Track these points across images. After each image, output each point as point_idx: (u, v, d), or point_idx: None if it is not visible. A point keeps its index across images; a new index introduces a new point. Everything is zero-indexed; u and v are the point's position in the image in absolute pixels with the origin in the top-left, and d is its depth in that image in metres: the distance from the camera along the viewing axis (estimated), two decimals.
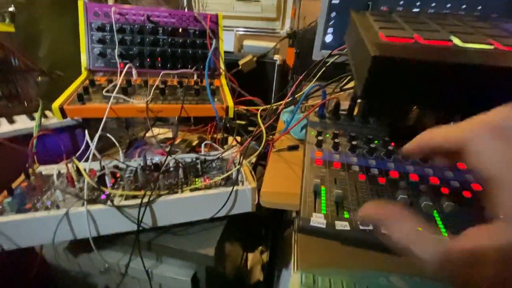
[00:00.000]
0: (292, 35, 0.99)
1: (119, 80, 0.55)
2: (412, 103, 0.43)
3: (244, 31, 1.02)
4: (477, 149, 0.16)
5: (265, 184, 0.44)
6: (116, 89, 0.53)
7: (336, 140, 0.43)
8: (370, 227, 0.30)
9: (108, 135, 0.55)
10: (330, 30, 0.60)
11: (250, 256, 1.02)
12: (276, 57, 0.96)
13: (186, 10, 1.01)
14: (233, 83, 0.73)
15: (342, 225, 0.30)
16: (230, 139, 0.82)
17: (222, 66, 0.69)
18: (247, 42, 1.01)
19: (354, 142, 0.43)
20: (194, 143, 0.83)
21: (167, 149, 0.71)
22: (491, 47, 0.28)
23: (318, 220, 0.31)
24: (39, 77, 0.87)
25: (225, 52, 0.97)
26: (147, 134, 0.86)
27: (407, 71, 0.25)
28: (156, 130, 0.93)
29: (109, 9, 0.62)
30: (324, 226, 0.31)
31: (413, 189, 0.36)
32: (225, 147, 0.78)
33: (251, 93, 0.81)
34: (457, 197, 0.35)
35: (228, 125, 0.79)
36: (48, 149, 0.65)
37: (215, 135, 0.85)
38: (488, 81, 0.25)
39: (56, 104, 0.49)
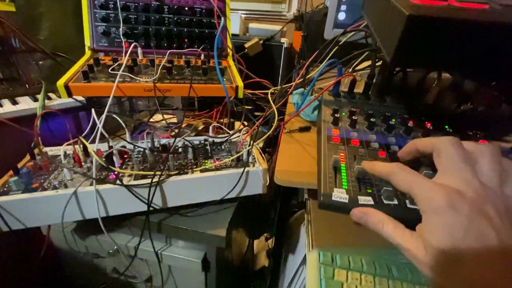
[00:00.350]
0: (299, 17, 0.96)
1: (125, 59, 0.53)
2: (444, 68, 0.41)
3: (249, 13, 0.99)
4: (438, 152, 0.25)
5: (279, 163, 0.43)
6: (123, 67, 0.51)
7: (353, 118, 0.42)
8: (395, 201, 0.29)
9: (114, 115, 0.53)
10: (343, 7, 0.57)
11: (256, 242, 1.02)
12: (283, 40, 0.93)
13: None
14: (240, 64, 0.71)
15: (365, 200, 0.29)
16: (237, 124, 0.80)
17: (230, 46, 0.67)
18: (252, 25, 0.98)
19: (372, 120, 0.41)
20: (200, 128, 0.82)
21: (173, 133, 0.70)
22: None
23: (340, 195, 0.30)
24: (40, 61, 0.84)
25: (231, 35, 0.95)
26: (152, 119, 0.84)
27: (443, 31, 0.24)
28: (160, 116, 0.92)
29: None
30: (346, 201, 0.29)
31: (433, 166, 0.35)
32: (232, 131, 0.76)
33: (257, 76, 0.79)
34: None
35: (234, 109, 0.77)
36: (52, 130, 0.63)
37: (221, 120, 0.84)
38: None
39: (61, 82, 0.47)
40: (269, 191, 0.54)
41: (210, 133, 0.61)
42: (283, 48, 0.92)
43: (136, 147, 0.54)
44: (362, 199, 0.29)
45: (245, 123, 0.77)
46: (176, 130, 0.72)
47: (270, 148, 0.75)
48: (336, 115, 0.42)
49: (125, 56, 0.55)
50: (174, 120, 0.90)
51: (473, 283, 0.19)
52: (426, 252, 0.21)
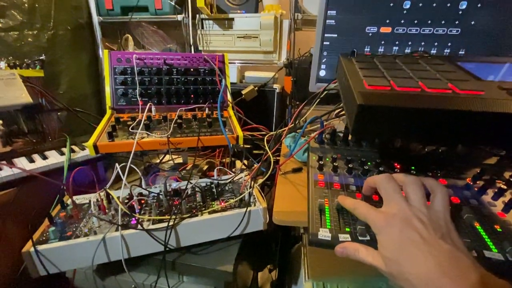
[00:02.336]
0: (288, 65, 1.09)
1: (143, 117, 0.63)
2: (394, 138, 0.51)
3: (245, 63, 1.12)
4: (379, 187, 0.36)
5: (276, 204, 0.51)
6: (140, 125, 0.60)
7: (335, 164, 0.51)
8: (368, 237, 0.37)
9: (133, 166, 0.62)
10: (323, 66, 0.69)
11: (260, 274, 1.05)
12: (276, 85, 1.05)
13: (192, 47, 1.12)
14: (239, 113, 0.81)
15: (344, 237, 0.37)
16: (238, 163, 0.89)
17: (229, 99, 0.78)
18: (248, 73, 1.11)
19: (350, 165, 0.50)
20: (204, 168, 0.90)
21: (180, 176, 0.78)
22: (450, 91, 0.36)
23: (324, 234, 0.38)
24: (59, 113, 0.95)
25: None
26: (157, 161, 0.93)
27: (385, 115, 0.33)
28: (167, 156, 1.00)
29: (130, 56, 0.71)
30: (329, 239, 0.37)
31: None
32: (234, 170, 0.85)
33: (254, 118, 0.89)
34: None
35: (235, 150, 0.86)
36: (75, 180, 0.71)
37: (223, 160, 0.92)
38: (448, 122, 0.33)
39: (90, 142, 0.57)
40: (270, 224, 0.61)
41: (215, 176, 0.70)
42: (275, 93, 1.04)
43: (151, 193, 0.62)
44: (342, 237, 0.37)
45: (246, 162, 0.85)
46: (183, 172, 0.81)
47: (269, 181, 0.83)
48: (320, 161, 0.51)
49: (141, 114, 0.65)
50: (180, 160, 0.99)
51: (414, 278, 0.26)
52: (384, 262, 0.30)
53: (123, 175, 0.54)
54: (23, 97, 0.65)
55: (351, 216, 0.40)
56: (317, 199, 0.43)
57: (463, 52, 0.62)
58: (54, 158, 0.67)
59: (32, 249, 0.46)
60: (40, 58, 0.82)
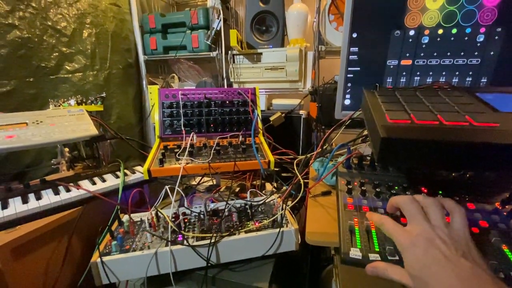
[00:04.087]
0: (313, 92, 1.16)
1: (187, 145, 0.72)
2: (416, 166, 0.54)
3: (272, 91, 1.22)
4: (402, 207, 0.39)
5: (308, 225, 0.55)
6: (186, 153, 0.69)
7: (363, 188, 0.55)
8: (397, 257, 0.40)
9: (178, 189, 0.70)
10: (347, 96, 0.75)
11: None
12: (302, 112, 1.12)
13: (224, 80, 1.24)
14: (269, 139, 0.88)
15: (374, 256, 0.40)
16: (268, 186, 0.95)
17: (260, 126, 0.85)
18: (275, 101, 1.20)
19: (378, 189, 0.53)
20: (236, 190, 0.97)
21: (215, 195, 0.85)
22: (467, 123, 0.40)
23: (355, 253, 0.41)
24: (111, 141, 1.08)
25: None
26: (192, 182, 1.01)
27: (407, 146, 0.38)
28: (204, 178, 1.09)
29: (176, 92, 0.82)
30: (360, 258, 0.41)
31: None
32: (264, 192, 0.90)
33: (281, 143, 0.96)
34: None
35: (264, 173, 0.92)
36: (127, 200, 0.81)
37: (254, 182, 0.99)
38: (465, 152, 0.37)
39: (145, 168, 0.66)
40: (300, 245, 0.65)
41: (248, 197, 0.76)
42: (302, 119, 1.11)
43: (193, 212, 0.69)
44: (372, 256, 0.41)
45: (275, 185, 0.91)
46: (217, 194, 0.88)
47: (298, 203, 0.87)
48: (349, 186, 0.55)
49: (184, 142, 0.74)
50: (213, 181, 1.07)
51: None
52: (411, 280, 0.33)
53: (172, 196, 0.62)
54: (91, 129, 0.77)
55: (379, 238, 0.44)
56: (347, 221, 0.47)
57: (485, 80, 0.65)
58: (110, 181, 0.78)
59: (98, 259, 0.54)
60: (101, 95, 0.97)
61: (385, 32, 0.67)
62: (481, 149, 0.36)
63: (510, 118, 0.40)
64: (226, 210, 0.66)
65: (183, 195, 0.71)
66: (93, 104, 0.94)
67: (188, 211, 0.70)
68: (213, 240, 0.58)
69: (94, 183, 0.76)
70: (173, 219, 0.65)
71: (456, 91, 0.52)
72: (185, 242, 0.58)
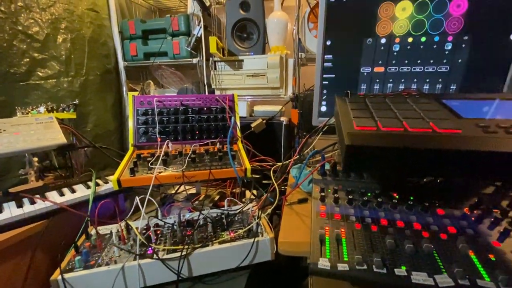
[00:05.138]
0: (294, 99, 1.16)
1: (161, 153, 0.70)
2: (383, 173, 0.54)
3: (254, 98, 1.21)
4: None
5: (281, 235, 0.54)
6: (159, 161, 0.67)
7: (336, 195, 0.54)
8: (365, 267, 0.39)
9: (151, 198, 0.68)
10: (324, 102, 0.75)
11: None
12: (283, 118, 1.12)
13: (205, 86, 1.23)
14: (248, 146, 0.87)
15: (343, 266, 0.40)
16: (247, 192, 0.93)
17: (239, 134, 0.84)
18: (256, 108, 1.20)
19: (350, 196, 0.53)
20: (216, 198, 0.95)
21: (193, 206, 0.83)
22: (430, 130, 0.40)
23: (323, 263, 0.40)
24: (86, 149, 1.04)
25: (239, 117, 1.15)
26: (172, 191, 0.99)
27: (372, 153, 0.38)
28: (182, 187, 1.06)
29: (151, 99, 0.80)
30: (328, 268, 0.40)
31: (399, 234, 0.45)
32: (244, 200, 0.89)
33: (263, 149, 0.95)
34: (435, 239, 0.43)
35: (245, 180, 0.91)
36: (99, 211, 0.78)
37: (234, 190, 0.97)
38: (428, 159, 0.37)
39: (114, 178, 0.64)
40: (277, 255, 0.63)
41: (225, 206, 0.74)
42: (283, 125, 1.11)
43: (166, 223, 0.66)
44: (340, 266, 0.40)
45: (255, 192, 0.89)
46: (196, 203, 0.86)
47: (279, 211, 0.86)
48: (322, 193, 0.55)
49: (159, 150, 0.72)
50: (194, 190, 1.04)
51: None
52: None
53: (142, 207, 0.59)
54: (59, 138, 0.74)
55: (349, 247, 0.43)
56: (317, 230, 0.46)
57: (454, 87, 0.66)
58: (81, 192, 0.74)
59: (59, 277, 0.51)
60: (74, 102, 0.94)
61: (357, 40, 0.68)
62: (443, 155, 0.36)
63: (473, 124, 0.41)
64: (199, 220, 0.64)
65: (157, 205, 0.69)
66: (65, 112, 0.91)
67: (162, 222, 0.67)
68: (184, 253, 0.55)
69: (62, 194, 0.72)
70: (144, 231, 0.62)
71: (423, 98, 0.53)
72: (154, 255, 0.55)
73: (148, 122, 0.80)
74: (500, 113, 0.46)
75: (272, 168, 0.77)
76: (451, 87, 0.67)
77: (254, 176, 0.87)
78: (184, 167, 0.68)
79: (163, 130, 0.80)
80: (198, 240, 0.60)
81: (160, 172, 0.67)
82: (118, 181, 0.64)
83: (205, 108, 0.84)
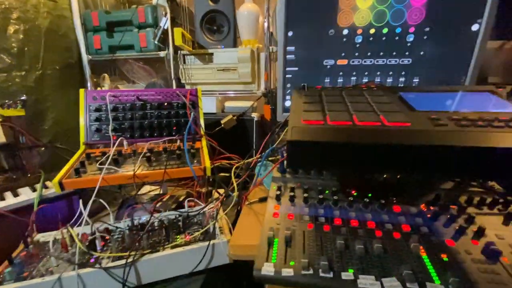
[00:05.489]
0: (267, 94, 1.13)
1: (111, 152, 0.65)
2: (331, 169, 0.52)
3: (225, 94, 1.17)
4: None
5: (233, 237, 0.51)
6: (108, 161, 0.62)
7: (292, 194, 0.51)
8: (311, 271, 0.36)
9: (101, 200, 0.62)
10: (287, 97, 0.72)
11: None
12: (254, 114, 1.08)
13: (173, 81, 1.17)
14: (212, 143, 0.83)
15: (287, 272, 0.37)
16: (215, 193, 0.89)
17: (203, 130, 0.80)
18: (228, 104, 1.15)
19: (305, 195, 0.50)
20: (181, 198, 0.90)
21: (158, 204, 0.78)
22: (379, 123, 0.37)
23: (267, 268, 0.37)
24: (40, 149, 0.96)
25: (209, 113, 1.11)
26: (139, 192, 0.93)
27: (316, 149, 0.35)
28: (147, 187, 1.01)
29: (105, 93, 0.75)
30: (272, 274, 0.37)
31: (352, 234, 0.43)
32: (210, 199, 0.84)
33: (234, 147, 0.90)
34: (388, 239, 0.41)
35: (210, 179, 0.87)
36: (48, 216, 0.71)
37: (201, 189, 0.93)
38: (376, 153, 0.34)
39: (56, 180, 0.58)
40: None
41: (186, 208, 0.70)
42: (254, 121, 1.07)
43: (118, 228, 0.62)
44: (285, 271, 0.37)
45: (220, 191, 0.85)
46: (160, 203, 0.81)
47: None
48: (278, 192, 0.52)
49: (112, 148, 0.67)
50: (159, 191, 0.99)
51: None
52: None
53: (85, 210, 0.54)
54: None
55: (297, 249, 0.40)
56: (267, 232, 0.43)
57: (417, 80, 0.65)
58: (25, 195, 0.68)
59: None
60: (22, 98, 0.86)
61: (319, 31, 0.65)
62: (391, 150, 0.34)
63: (424, 117, 0.39)
64: (150, 223, 0.60)
65: (109, 208, 0.63)
66: (11, 109, 0.83)
67: (113, 227, 0.62)
68: (130, 260, 0.51)
69: (2, 199, 0.66)
70: (92, 237, 0.57)
71: (381, 90, 0.50)
72: (97, 264, 0.50)
73: (101, 118, 0.74)
74: (456, 106, 0.45)
75: (233, 167, 0.73)
76: (414, 79, 0.65)
77: (223, 174, 0.84)
78: (136, 167, 0.63)
79: (119, 127, 0.75)
80: (149, 245, 0.56)
81: (109, 173, 0.62)
82: (60, 184, 0.58)
83: (165, 103, 0.79)
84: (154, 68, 1.35)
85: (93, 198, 0.56)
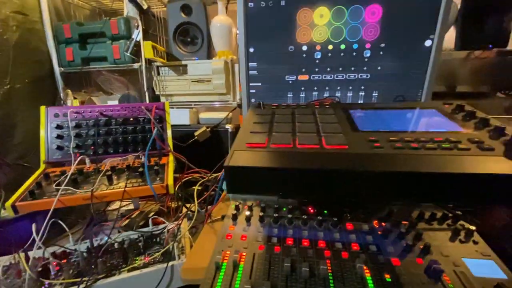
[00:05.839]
0: (241, 105, 1.13)
1: (70, 172, 0.63)
2: (273, 194, 0.52)
3: (200, 105, 1.16)
4: None
5: (188, 259, 0.50)
6: (66, 181, 0.60)
7: (249, 213, 0.51)
8: None
9: (60, 221, 0.61)
10: None
11: None
12: (228, 125, 1.08)
13: (146, 93, 1.16)
14: (181, 158, 0.82)
15: None
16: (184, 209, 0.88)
17: (170, 145, 0.79)
18: (202, 115, 1.15)
19: (261, 213, 0.50)
20: (151, 214, 0.88)
21: (124, 224, 0.77)
22: (318, 146, 0.38)
23: None
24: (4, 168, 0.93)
25: (183, 125, 1.10)
26: (109, 208, 0.91)
27: (254, 174, 0.34)
28: (118, 202, 0.98)
29: (67, 110, 0.73)
30: None
31: (301, 255, 0.42)
32: (176, 216, 0.83)
33: (208, 159, 0.89)
34: (336, 258, 0.41)
35: (179, 195, 0.86)
36: (9, 239, 0.69)
37: (172, 205, 0.91)
38: (313, 177, 0.34)
39: (9, 203, 0.56)
40: None
41: (150, 226, 0.68)
42: (228, 133, 1.07)
43: (76, 251, 0.60)
44: None
45: (188, 205, 0.84)
46: (127, 220, 0.79)
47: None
48: (234, 211, 0.51)
49: (72, 167, 0.65)
50: (132, 206, 0.97)
51: None
52: None
53: (37, 235, 0.52)
54: None
55: (244, 274, 0.39)
56: (215, 256, 0.43)
57: (376, 94, 0.66)
58: None
59: None
60: None
61: (279, 47, 0.66)
62: (327, 173, 0.34)
63: (363, 138, 0.39)
64: (106, 245, 0.58)
65: (67, 230, 0.62)
66: None
67: (71, 250, 0.60)
68: (83, 286, 0.49)
69: None
70: (45, 262, 0.55)
71: (331, 109, 0.51)
72: None
73: (63, 136, 0.72)
74: (400, 125, 0.45)
75: (199, 182, 0.72)
76: (374, 93, 0.66)
77: (195, 188, 0.82)
78: (94, 186, 0.62)
79: (82, 144, 0.73)
80: (106, 269, 0.54)
81: (67, 193, 0.60)
82: (13, 207, 0.56)
83: (131, 119, 0.78)
84: (129, 79, 1.34)
85: (46, 220, 0.54)
